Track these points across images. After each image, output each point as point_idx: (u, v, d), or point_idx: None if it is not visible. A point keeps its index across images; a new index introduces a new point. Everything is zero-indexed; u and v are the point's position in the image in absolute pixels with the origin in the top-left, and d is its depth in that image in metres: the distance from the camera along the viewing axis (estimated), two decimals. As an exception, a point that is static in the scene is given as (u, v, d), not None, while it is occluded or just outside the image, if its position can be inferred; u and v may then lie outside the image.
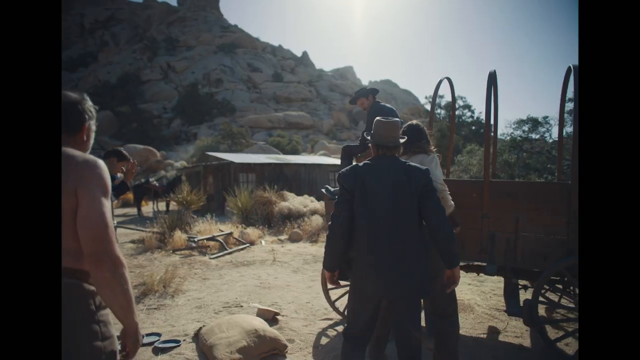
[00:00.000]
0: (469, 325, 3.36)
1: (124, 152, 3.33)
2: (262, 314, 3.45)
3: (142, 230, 7.21)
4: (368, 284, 1.87)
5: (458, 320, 2.41)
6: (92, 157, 1.21)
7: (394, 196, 1.83)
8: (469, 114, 30.96)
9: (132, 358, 1.27)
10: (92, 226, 1.11)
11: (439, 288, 2.21)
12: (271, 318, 3.42)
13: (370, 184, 1.86)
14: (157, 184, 14.23)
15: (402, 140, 2.00)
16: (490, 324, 3.41)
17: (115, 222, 5.91)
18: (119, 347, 1.25)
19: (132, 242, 7.07)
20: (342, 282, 2.21)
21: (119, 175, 3.43)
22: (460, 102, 29.77)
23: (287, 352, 2.78)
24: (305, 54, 75.96)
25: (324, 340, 3.02)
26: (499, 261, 3.03)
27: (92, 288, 1.19)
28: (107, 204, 1.17)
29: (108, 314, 1.24)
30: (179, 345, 2.86)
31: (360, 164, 1.96)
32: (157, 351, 2.76)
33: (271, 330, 2.85)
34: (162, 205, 14.51)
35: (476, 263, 3.26)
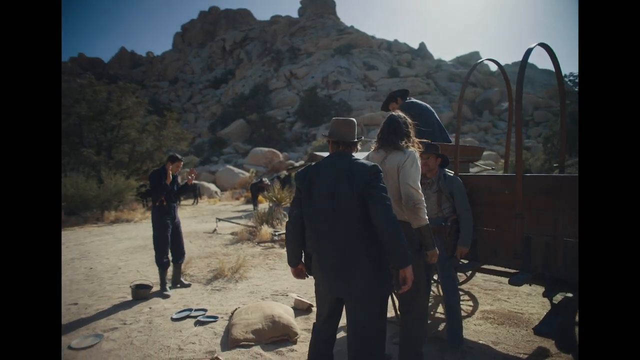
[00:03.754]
0: (512, 342, 2.95)
1: (175, 155, 4.15)
2: (297, 304, 3.70)
3: (239, 224, 8.29)
4: (319, 281, 1.94)
5: (424, 318, 2.23)
6: None
7: (335, 194, 1.84)
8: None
9: None
10: None
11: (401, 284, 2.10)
12: (305, 309, 3.64)
13: (316, 182, 1.91)
14: (269, 183, 15.86)
15: (355, 139, 1.99)
16: (543, 345, 2.92)
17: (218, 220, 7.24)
18: None
19: (232, 234, 8.19)
20: None
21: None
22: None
23: (297, 339, 2.97)
24: (422, 45, 72.72)
25: (340, 334, 3.10)
26: (536, 269, 2.60)
27: None
28: None
29: None
30: (215, 321, 3.34)
31: (314, 162, 2.02)
32: (197, 323, 3.30)
33: (286, 318, 3.08)
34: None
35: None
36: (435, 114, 3.70)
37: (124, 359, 2.71)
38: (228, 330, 3.08)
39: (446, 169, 3.04)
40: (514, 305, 3.73)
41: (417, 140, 2.40)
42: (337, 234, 1.82)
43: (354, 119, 2.04)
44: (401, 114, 2.45)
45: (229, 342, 2.88)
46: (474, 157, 3.88)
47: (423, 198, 2.13)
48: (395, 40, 74.39)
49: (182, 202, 18.26)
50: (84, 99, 16.38)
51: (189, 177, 4.34)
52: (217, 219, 9.47)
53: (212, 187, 24.39)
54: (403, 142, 2.27)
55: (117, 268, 5.50)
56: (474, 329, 3.19)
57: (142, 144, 17.12)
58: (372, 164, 1.87)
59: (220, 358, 1.80)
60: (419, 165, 2.22)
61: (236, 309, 3.43)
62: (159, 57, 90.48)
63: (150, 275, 5.02)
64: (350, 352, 1.88)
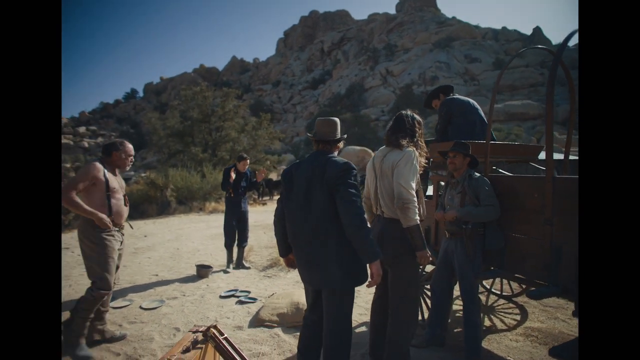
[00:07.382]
0: (544, 362, 2.63)
1: (242, 154, 4.92)
2: (332, 296, 3.87)
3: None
4: (299, 272, 2.10)
5: (413, 320, 2.19)
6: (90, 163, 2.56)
7: (307, 190, 1.96)
8: None
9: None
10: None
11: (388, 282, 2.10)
12: (338, 301, 3.79)
13: (295, 179, 2.06)
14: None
15: (336, 138, 2.08)
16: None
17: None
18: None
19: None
20: None
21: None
22: None
23: (316, 327, 3.14)
24: (537, 30, 64.34)
25: (360, 329, 3.17)
26: (566, 283, 2.30)
27: None
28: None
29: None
30: (253, 302, 3.72)
31: (298, 161, 2.17)
32: (238, 302, 3.73)
33: (310, 307, 3.28)
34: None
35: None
36: (480, 111, 3.46)
37: (173, 321, 3.26)
38: (258, 311, 3.43)
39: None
40: (571, 327, 3.27)
41: (422, 140, 2.37)
42: (309, 228, 1.94)
43: (336, 119, 2.13)
44: (409, 112, 2.43)
45: (256, 321, 3.22)
46: (529, 157, 3.50)
47: (414, 198, 2.11)
48: (503, 28, 67.37)
49: (275, 197, 19.74)
50: (197, 104, 18.95)
51: (259, 176, 4.97)
52: (292, 213, 10.10)
53: (302, 183, 25.73)
54: (404, 141, 2.26)
55: (196, 250, 6.39)
56: (507, 345, 2.94)
57: (240, 143, 19.01)
58: (345, 161, 1.94)
59: (219, 327, 2.08)
60: (416, 165, 2.18)
61: (272, 294, 3.76)
62: (263, 62, 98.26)
63: (220, 258, 5.72)
64: (324, 342, 1.99)
